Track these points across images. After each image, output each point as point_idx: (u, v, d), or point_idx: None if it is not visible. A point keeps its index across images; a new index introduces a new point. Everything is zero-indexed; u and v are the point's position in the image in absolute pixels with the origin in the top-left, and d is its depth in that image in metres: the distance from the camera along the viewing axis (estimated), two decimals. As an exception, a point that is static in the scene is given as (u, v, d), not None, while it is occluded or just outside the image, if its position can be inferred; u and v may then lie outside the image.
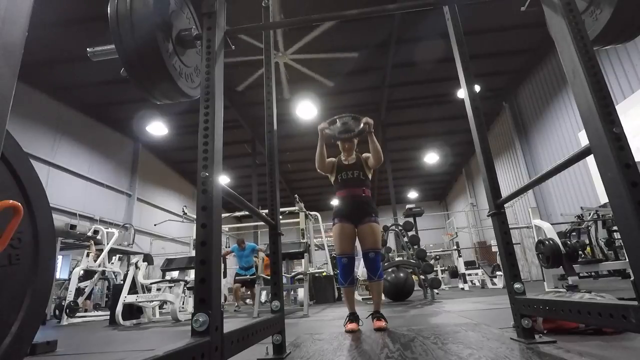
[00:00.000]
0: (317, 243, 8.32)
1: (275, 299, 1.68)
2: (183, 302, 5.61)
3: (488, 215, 1.76)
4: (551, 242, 3.96)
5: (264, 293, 6.67)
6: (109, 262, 6.42)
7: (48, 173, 8.46)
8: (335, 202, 2.72)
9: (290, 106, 9.69)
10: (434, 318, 2.88)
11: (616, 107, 1.02)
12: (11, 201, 0.60)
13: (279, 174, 2.03)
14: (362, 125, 2.50)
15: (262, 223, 1.99)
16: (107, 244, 6.48)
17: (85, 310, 6.75)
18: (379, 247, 2.58)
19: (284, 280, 5.95)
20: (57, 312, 5.55)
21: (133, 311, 4.77)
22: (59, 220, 7.87)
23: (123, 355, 2.15)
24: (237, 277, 6.61)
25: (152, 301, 4.76)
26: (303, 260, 4.98)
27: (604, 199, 6.25)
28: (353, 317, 2.43)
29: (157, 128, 10.39)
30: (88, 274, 5.97)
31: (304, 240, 5.75)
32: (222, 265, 3.91)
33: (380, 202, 16.38)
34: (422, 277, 5.44)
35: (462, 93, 1.96)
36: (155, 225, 11.28)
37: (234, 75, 7.96)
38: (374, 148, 2.50)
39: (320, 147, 2.54)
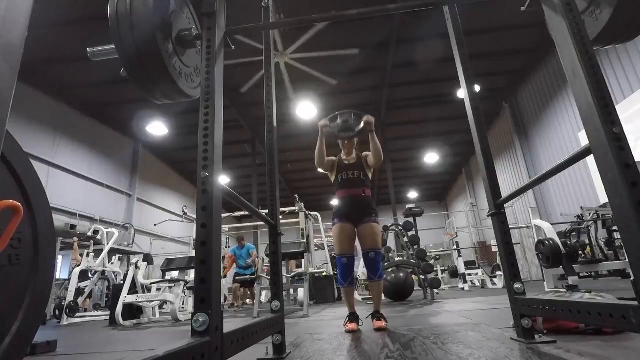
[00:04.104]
0: (317, 243, 8.31)
1: (275, 299, 1.68)
2: (183, 302, 5.61)
3: (488, 215, 1.76)
4: (551, 242, 3.96)
5: (264, 293, 6.67)
6: (109, 262, 6.41)
7: (48, 173, 8.45)
8: (335, 202, 2.71)
9: (290, 106, 9.69)
10: (434, 318, 2.88)
11: (616, 107, 1.02)
12: (11, 201, 0.60)
13: (279, 174, 2.03)
14: (362, 124, 2.50)
15: (262, 223, 1.99)
16: (107, 244, 6.48)
17: (85, 310, 6.75)
18: (379, 247, 2.57)
19: (284, 280, 5.95)
20: (57, 312, 5.55)
21: (133, 311, 4.77)
22: (59, 220, 7.87)
23: (123, 355, 2.15)
24: (236, 277, 6.61)
25: (152, 301, 4.76)
26: (303, 260, 4.98)
27: (604, 199, 6.26)
28: (353, 317, 2.43)
29: (157, 128, 10.39)
30: (83, 275, 5.97)
31: (304, 240, 5.75)
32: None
33: (380, 202, 16.38)
34: (422, 277, 5.44)
35: (462, 93, 1.96)
36: (155, 225, 11.29)
37: (236, 76, 7.97)
38: (375, 147, 2.50)
39: (320, 145, 2.54)
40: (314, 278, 6.65)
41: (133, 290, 4.85)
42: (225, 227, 10.05)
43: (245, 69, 7.28)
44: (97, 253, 6.21)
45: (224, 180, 1.31)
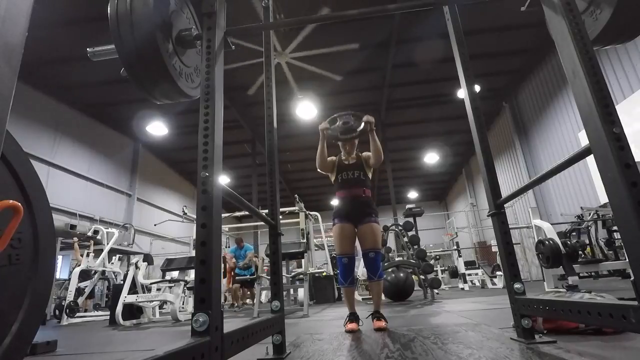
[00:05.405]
0: (317, 243, 8.31)
1: (275, 299, 1.67)
2: (183, 302, 5.60)
3: (488, 215, 1.76)
4: (551, 242, 3.96)
5: (264, 293, 6.67)
6: (109, 262, 6.42)
7: (48, 173, 8.46)
8: (335, 202, 2.72)
9: (290, 106, 9.69)
10: (434, 318, 2.88)
11: (616, 107, 1.02)
12: (11, 201, 0.60)
13: (279, 174, 2.03)
14: (363, 124, 2.50)
15: (262, 223, 1.99)
16: (107, 244, 6.48)
17: (85, 310, 6.74)
18: (379, 247, 2.57)
19: (284, 280, 5.95)
20: (57, 312, 5.54)
21: (133, 311, 4.77)
22: (59, 220, 7.87)
23: (123, 355, 2.15)
24: (236, 277, 6.62)
25: (152, 301, 4.75)
26: (303, 260, 4.98)
27: (604, 199, 6.25)
28: (353, 317, 2.43)
29: (157, 128, 10.39)
30: (84, 275, 5.97)
31: (304, 240, 5.74)
32: (222, 265, 3.90)
33: (380, 202, 16.38)
34: (422, 277, 5.44)
35: (462, 93, 1.96)
36: (155, 225, 11.29)
37: (242, 77, 7.98)
38: (375, 147, 2.50)
39: (321, 148, 2.54)
40: (314, 278, 6.65)
41: (133, 290, 4.85)
42: (225, 227, 10.05)
43: (250, 70, 7.29)
44: (97, 253, 6.21)
45: (224, 180, 1.30)
